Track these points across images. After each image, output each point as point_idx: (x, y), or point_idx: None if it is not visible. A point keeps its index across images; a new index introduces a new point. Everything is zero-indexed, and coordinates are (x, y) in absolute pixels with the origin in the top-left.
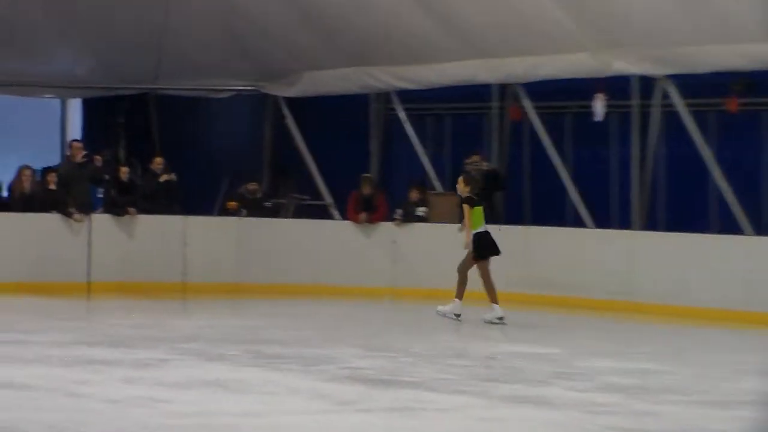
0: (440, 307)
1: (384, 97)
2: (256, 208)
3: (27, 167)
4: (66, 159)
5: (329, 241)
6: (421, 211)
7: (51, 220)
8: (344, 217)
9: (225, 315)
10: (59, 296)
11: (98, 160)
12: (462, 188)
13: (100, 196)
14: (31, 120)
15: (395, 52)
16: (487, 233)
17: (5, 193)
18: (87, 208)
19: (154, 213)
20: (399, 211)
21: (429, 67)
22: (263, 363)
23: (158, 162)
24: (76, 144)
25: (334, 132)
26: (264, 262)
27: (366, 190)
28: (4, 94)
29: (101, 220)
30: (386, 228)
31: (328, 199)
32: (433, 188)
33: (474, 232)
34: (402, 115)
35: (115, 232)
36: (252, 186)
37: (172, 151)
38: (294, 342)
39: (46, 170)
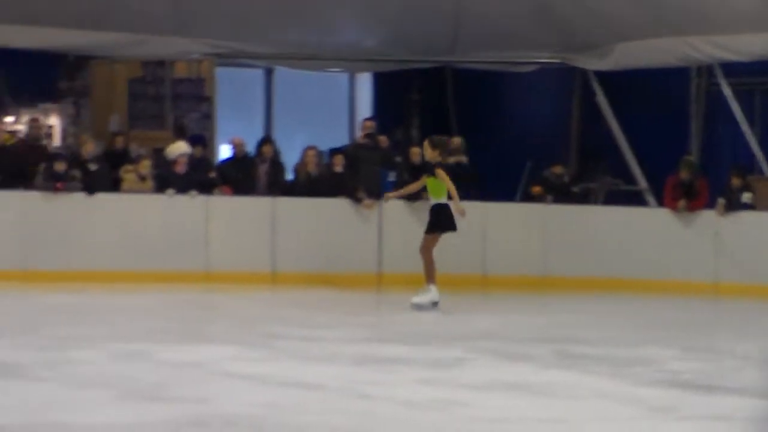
0: (414, 299)
1: (706, 70)
2: (562, 194)
3: (312, 148)
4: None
5: (643, 230)
6: (746, 197)
7: (338, 205)
8: (661, 204)
9: (528, 311)
10: (348, 288)
11: (383, 140)
12: (430, 154)
13: (392, 179)
14: (318, 96)
15: (719, 19)
16: (447, 206)
17: (290, 176)
18: (376, 193)
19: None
20: (722, 200)
21: (757, 37)
22: (569, 364)
23: (456, 142)
24: (368, 123)
25: (649, 110)
26: (571, 253)
27: (685, 174)
28: (288, 67)
29: (393, 205)
30: (708, 217)
31: (643, 184)
32: (761, 172)
33: (436, 202)
34: (727, 90)
35: (407, 219)
36: (558, 169)
37: (470, 131)
38: (603, 341)
39: (333, 151)
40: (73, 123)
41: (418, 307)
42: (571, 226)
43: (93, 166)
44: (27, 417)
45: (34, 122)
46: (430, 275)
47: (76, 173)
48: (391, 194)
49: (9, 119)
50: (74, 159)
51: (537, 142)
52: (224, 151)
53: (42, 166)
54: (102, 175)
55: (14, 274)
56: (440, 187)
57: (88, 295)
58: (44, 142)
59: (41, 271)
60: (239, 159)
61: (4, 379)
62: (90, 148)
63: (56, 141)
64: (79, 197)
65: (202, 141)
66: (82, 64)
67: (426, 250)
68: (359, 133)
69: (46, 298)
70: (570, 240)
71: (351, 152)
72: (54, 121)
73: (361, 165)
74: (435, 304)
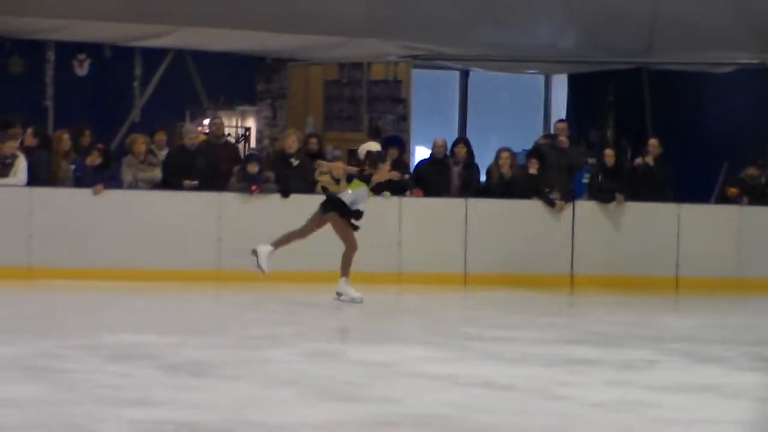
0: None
1: None
2: (759, 195)
3: (506, 149)
4: (547, 140)
5: None
6: None
7: (531, 207)
8: None
9: (722, 313)
10: (539, 289)
11: (562, 142)
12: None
13: (585, 181)
14: (512, 97)
15: None
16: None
17: (483, 177)
18: (569, 195)
19: (644, 200)
20: None
21: None
22: (761, 366)
23: (653, 144)
24: (560, 125)
25: None
26: (767, 254)
27: None
28: (484, 69)
29: (586, 207)
30: None
31: None
32: None
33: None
34: None
35: (600, 221)
36: (753, 170)
37: (665, 132)
38: None
39: (528, 153)
40: (269, 125)
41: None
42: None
43: (295, 161)
44: (220, 415)
45: (215, 121)
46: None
47: (270, 175)
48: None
49: (206, 121)
50: (270, 159)
51: (733, 144)
52: (420, 153)
53: (236, 168)
54: (304, 170)
55: (209, 273)
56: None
57: (279, 294)
58: (238, 143)
59: (234, 271)
60: (436, 160)
61: (197, 378)
62: (292, 142)
63: (252, 143)
64: (274, 198)
65: (399, 143)
66: (279, 66)
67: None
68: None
69: (237, 297)
70: (766, 242)
71: (544, 154)
72: (251, 123)
73: (553, 167)
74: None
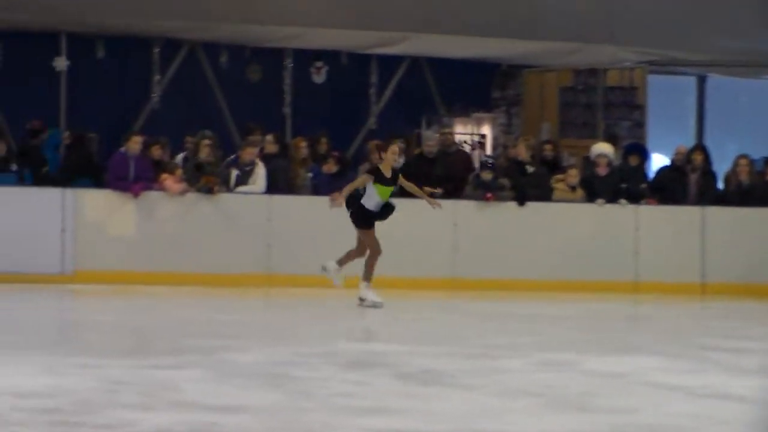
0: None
1: None
2: None
3: (744, 156)
4: None
5: None
6: None
7: None
8: None
9: None
10: None
11: None
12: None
13: None
14: (751, 103)
15: None
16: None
17: (720, 185)
18: None
19: None
20: None
21: None
22: None
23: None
24: None
25: None
26: None
27: None
28: (721, 75)
29: None
30: None
31: None
32: None
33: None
34: None
35: None
36: None
37: None
38: None
39: (767, 159)
40: (504, 131)
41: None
42: None
43: (530, 168)
44: (453, 425)
45: (445, 132)
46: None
47: (505, 182)
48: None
49: (441, 127)
50: (504, 166)
51: None
52: (657, 161)
53: (471, 176)
54: (540, 177)
55: (445, 282)
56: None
57: (516, 304)
58: (474, 150)
59: (468, 279)
60: (676, 168)
61: (431, 387)
62: (522, 151)
63: (488, 150)
64: (510, 206)
65: (642, 151)
66: (514, 73)
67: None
68: None
69: (473, 306)
70: None
71: None
72: (486, 130)
73: None
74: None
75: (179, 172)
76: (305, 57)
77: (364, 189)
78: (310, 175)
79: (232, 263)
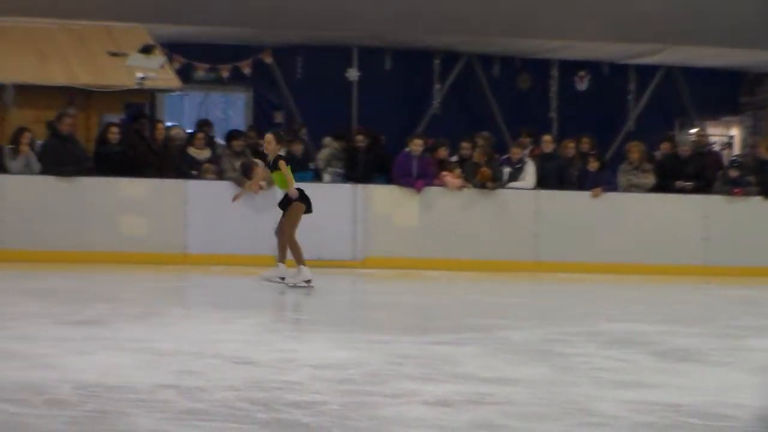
0: (288, 279)
1: None
2: None
3: None
4: None
5: None
6: None
7: None
8: None
9: None
10: None
11: None
12: (274, 147)
13: None
14: None
15: None
16: (302, 190)
17: None
18: None
19: None
20: None
21: None
22: None
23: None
24: None
25: None
26: None
27: None
28: None
29: None
30: None
31: None
32: None
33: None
34: None
35: None
36: None
37: None
38: None
39: None
40: (751, 133)
41: (268, 280)
42: None
43: None
44: (705, 398)
45: (700, 133)
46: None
47: (751, 179)
48: (238, 194)
49: (693, 130)
50: (751, 165)
51: None
52: None
53: (720, 173)
54: None
55: (696, 269)
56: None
57: (764, 289)
58: (723, 150)
59: (721, 267)
60: None
61: (685, 363)
62: (764, 150)
63: (735, 150)
64: (756, 200)
65: None
66: (761, 80)
67: (291, 235)
68: None
69: (725, 291)
70: None
71: None
72: (734, 132)
73: None
74: (309, 282)
75: (458, 169)
76: (569, 67)
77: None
78: (576, 173)
79: (504, 251)
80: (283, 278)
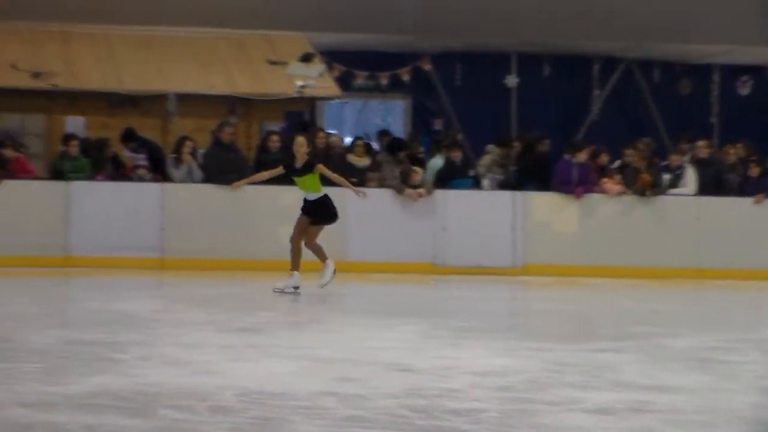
0: (278, 284)
1: None
2: None
3: None
4: None
5: None
6: None
7: None
8: None
9: None
10: None
11: None
12: (305, 151)
13: None
14: None
15: None
16: (329, 197)
17: None
18: None
19: None
20: None
21: None
22: None
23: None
24: None
25: None
26: None
27: None
28: None
29: None
30: None
31: None
32: None
33: (321, 194)
34: None
35: None
36: None
37: None
38: None
39: None
40: None
41: (281, 292)
42: None
43: None
44: None
45: None
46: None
47: None
48: (239, 183)
49: None
50: None
51: None
52: None
53: None
54: None
55: None
56: (316, 183)
57: None
58: None
59: None
60: None
61: None
62: None
63: None
64: None
65: None
66: None
67: (297, 240)
68: None
69: None
70: None
71: None
72: None
73: None
74: (296, 288)
75: (617, 176)
76: (731, 72)
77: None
78: (738, 179)
79: (664, 258)
80: (297, 287)
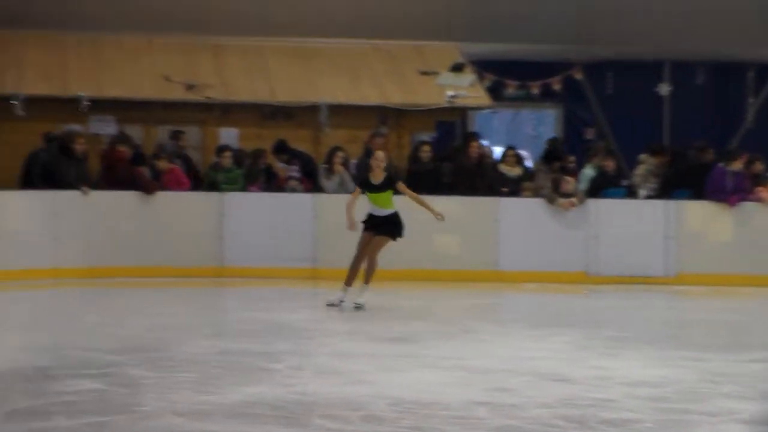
0: (359, 300)
1: None
2: None
3: None
4: None
5: None
6: None
7: None
8: None
9: None
10: None
11: None
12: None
13: None
14: None
15: None
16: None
17: None
18: None
19: None
20: None
21: None
22: None
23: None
24: None
25: None
26: None
27: None
28: None
29: None
30: None
31: None
32: None
33: (394, 211)
34: None
35: None
36: None
37: None
38: None
39: None
40: None
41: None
42: None
43: None
44: None
45: None
46: (371, 276)
47: None
48: (351, 224)
49: None
50: None
51: None
52: None
53: None
54: None
55: None
56: (391, 199)
57: None
58: None
59: None
60: None
61: None
62: None
63: None
64: None
65: None
66: None
67: (361, 259)
68: None
69: None
70: None
71: None
72: None
73: None
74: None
75: None
76: None
77: None
78: None
79: None
80: (342, 301)
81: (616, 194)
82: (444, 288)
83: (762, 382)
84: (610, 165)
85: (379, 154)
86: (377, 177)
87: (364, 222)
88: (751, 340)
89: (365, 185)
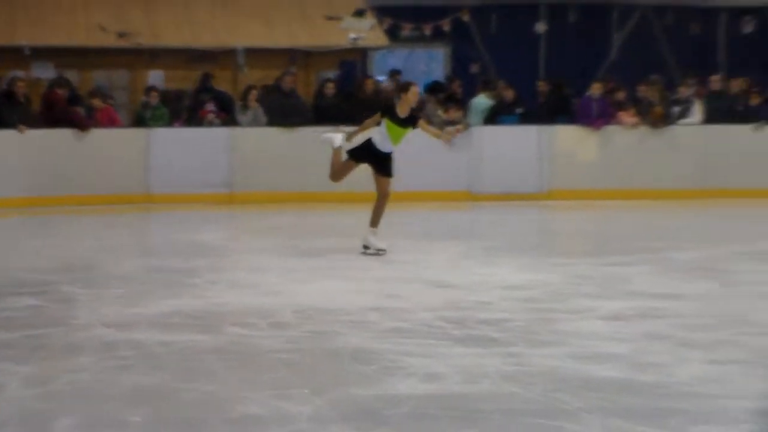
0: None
1: None
2: None
3: None
4: None
5: None
6: None
7: None
8: None
9: None
10: None
11: None
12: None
13: None
14: None
15: None
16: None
17: None
18: None
19: None
20: None
21: None
22: None
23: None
24: None
25: None
26: None
27: None
28: None
29: None
30: None
31: None
32: None
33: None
34: None
35: None
36: None
37: None
38: None
39: None
40: None
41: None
42: None
43: None
44: None
45: None
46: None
47: None
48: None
49: None
50: None
51: None
52: None
53: None
54: None
55: None
56: (404, 136)
57: None
58: None
59: None
60: None
61: None
62: None
63: None
64: None
65: None
66: None
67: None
68: None
69: None
70: None
71: None
72: None
73: None
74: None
75: (632, 110)
76: (736, 13)
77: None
78: None
79: (673, 180)
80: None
81: (510, 120)
82: (346, 208)
83: (620, 284)
84: (509, 94)
85: (415, 89)
86: (404, 111)
87: (358, 149)
88: (610, 247)
89: (390, 113)
